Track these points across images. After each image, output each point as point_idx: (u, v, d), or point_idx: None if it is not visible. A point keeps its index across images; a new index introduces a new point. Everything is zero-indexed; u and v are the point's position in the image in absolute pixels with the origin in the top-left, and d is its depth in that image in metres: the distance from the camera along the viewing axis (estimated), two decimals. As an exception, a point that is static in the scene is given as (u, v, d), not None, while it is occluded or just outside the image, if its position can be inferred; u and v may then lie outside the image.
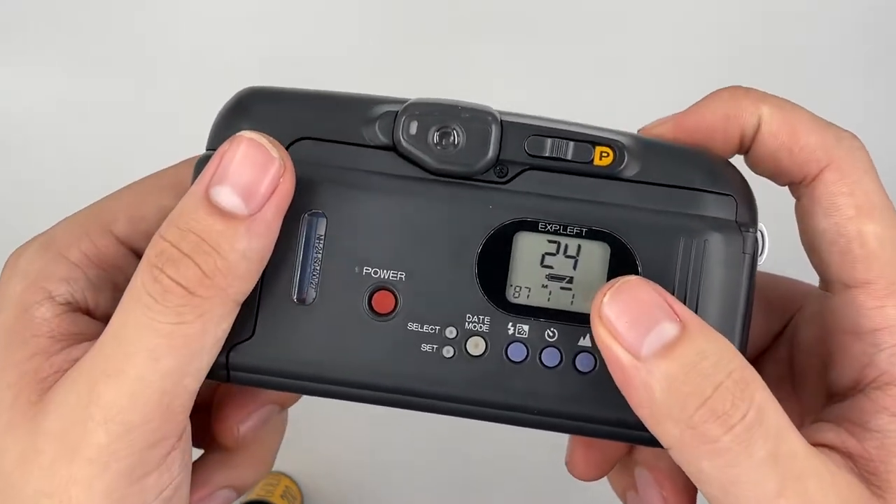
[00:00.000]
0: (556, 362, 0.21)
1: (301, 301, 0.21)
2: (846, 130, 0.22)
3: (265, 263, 0.20)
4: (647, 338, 0.19)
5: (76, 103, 0.62)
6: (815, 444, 0.19)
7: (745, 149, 0.22)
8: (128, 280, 0.20)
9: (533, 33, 0.63)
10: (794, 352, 0.24)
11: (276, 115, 0.21)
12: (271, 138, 0.20)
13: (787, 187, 0.23)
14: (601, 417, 0.21)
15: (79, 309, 0.22)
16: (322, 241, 0.21)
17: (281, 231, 0.20)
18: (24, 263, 0.21)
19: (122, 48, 0.62)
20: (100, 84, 0.62)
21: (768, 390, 0.19)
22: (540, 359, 0.21)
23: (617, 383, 0.19)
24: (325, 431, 0.68)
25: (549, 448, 0.26)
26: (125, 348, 0.19)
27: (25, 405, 0.20)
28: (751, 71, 0.64)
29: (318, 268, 0.21)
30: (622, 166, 0.21)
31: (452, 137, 0.21)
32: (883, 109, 0.64)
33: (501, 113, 0.21)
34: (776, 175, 0.22)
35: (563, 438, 0.27)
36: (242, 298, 0.20)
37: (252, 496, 0.64)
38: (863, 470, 0.20)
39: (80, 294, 0.22)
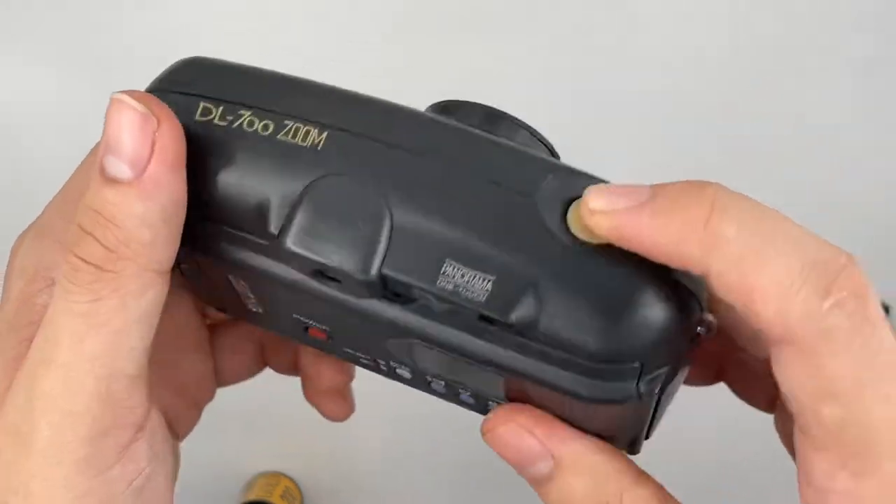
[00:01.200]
0: (472, 402, 0.23)
1: (254, 307, 0.23)
2: (842, 270, 0.18)
3: (179, 224, 0.19)
4: (528, 471, 0.20)
5: (76, 103, 0.62)
6: None
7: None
8: None
9: (532, 30, 0.63)
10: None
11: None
12: (142, 92, 0.19)
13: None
14: None
15: None
16: (250, 289, 0.22)
17: (214, 271, 0.21)
18: (21, 258, 0.21)
19: (121, 48, 0.62)
20: (99, 84, 0.62)
21: (660, 500, 0.19)
22: (458, 395, 0.23)
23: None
24: (325, 431, 0.67)
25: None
26: (53, 335, 0.18)
27: (3, 392, 0.19)
28: (749, 70, 0.64)
29: (256, 300, 0.23)
30: (512, 328, 0.19)
31: (333, 279, 0.20)
32: (883, 109, 0.64)
33: (393, 239, 0.19)
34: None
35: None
36: (161, 266, 0.19)
37: (252, 496, 0.64)
38: None
39: None
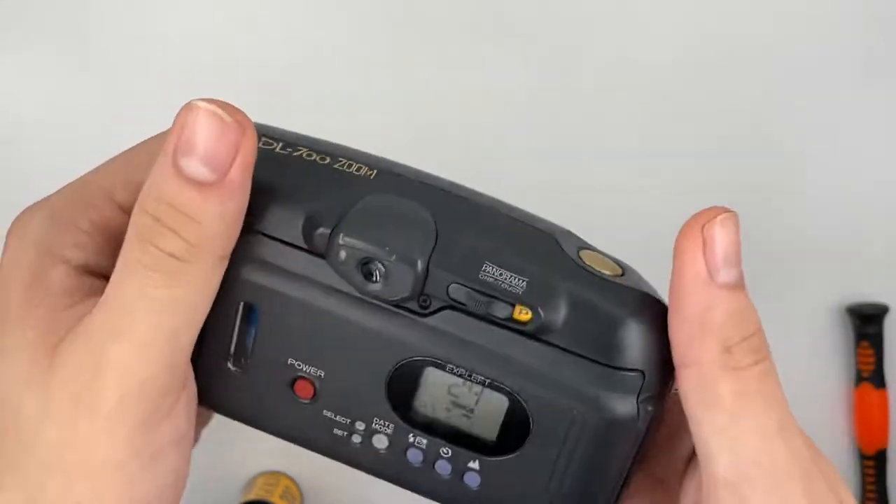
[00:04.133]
0: (447, 473, 0.23)
1: (236, 367, 0.23)
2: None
3: (242, 218, 0.21)
4: (727, 270, 0.21)
5: (74, 103, 0.62)
6: None
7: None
8: None
9: (532, 32, 0.63)
10: None
11: None
12: (227, 103, 0.21)
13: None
14: None
15: (89, 272, 0.23)
16: (255, 329, 0.23)
17: (221, 307, 0.22)
18: (34, 232, 0.22)
19: (120, 48, 0.62)
20: (98, 84, 0.62)
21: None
22: (434, 466, 0.23)
23: (678, 293, 0.21)
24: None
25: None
26: (128, 313, 0.20)
27: (43, 359, 0.21)
28: (747, 70, 0.64)
29: (251, 345, 0.23)
30: (538, 327, 0.21)
31: (376, 274, 0.21)
32: (883, 109, 0.64)
33: (442, 229, 0.21)
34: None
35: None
36: (227, 252, 0.21)
37: (252, 496, 0.64)
38: None
39: (92, 259, 0.23)
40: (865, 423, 0.65)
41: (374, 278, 0.21)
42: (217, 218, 0.20)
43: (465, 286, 0.21)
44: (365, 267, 0.21)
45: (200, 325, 0.21)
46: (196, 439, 0.27)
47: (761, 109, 0.64)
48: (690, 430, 0.21)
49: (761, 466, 0.20)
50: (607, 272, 0.22)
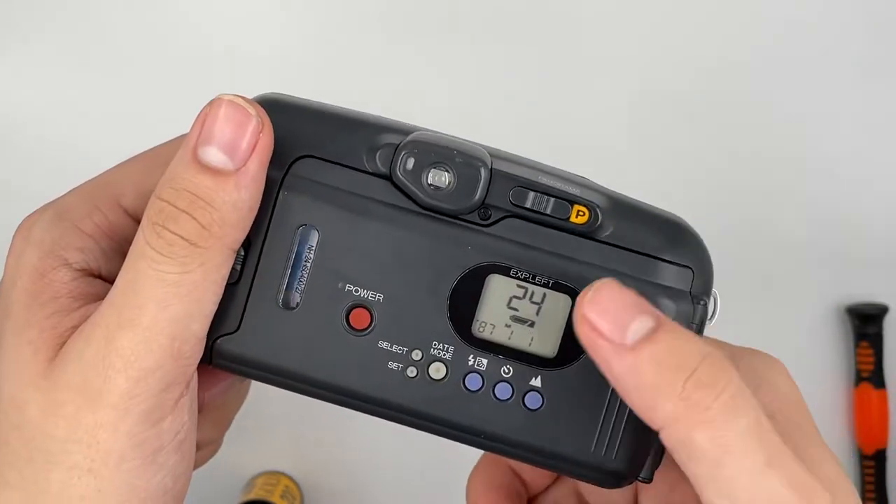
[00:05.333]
0: (508, 396, 0.23)
1: (285, 305, 0.23)
2: None
3: (255, 213, 0.22)
4: (630, 329, 0.20)
5: (74, 103, 0.62)
6: None
7: None
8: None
9: (532, 31, 0.63)
10: None
11: (286, 128, 0.22)
12: (247, 97, 0.21)
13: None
14: (543, 450, 0.24)
15: (92, 274, 0.23)
16: (312, 254, 0.23)
17: (275, 237, 0.22)
18: (38, 233, 0.23)
19: (120, 47, 0.62)
20: (98, 83, 0.62)
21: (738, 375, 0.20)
22: (493, 391, 0.23)
23: (606, 375, 0.21)
24: (325, 431, 0.67)
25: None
26: (136, 300, 0.20)
27: (44, 360, 0.21)
28: (746, 71, 0.64)
29: (305, 277, 0.23)
30: (595, 227, 0.23)
31: (443, 179, 0.22)
32: (883, 110, 0.64)
33: (493, 156, 0.23)
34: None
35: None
36: (237, 246, 0.21)
37: (252, 496, 0.64)
38: None
39: (95, 262, 0.23)
40: (865, 422, 0.65)
41: (444, 182, 0.22)
42: (230, 205, 0.21)
43: (528, 188, 0.22)
44: (434, 173, 0.22)
45: (208, 318, 0.21)
46: (219, 444, 0.28)
47: (761, 110, 0.64)
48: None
49: None
50: None
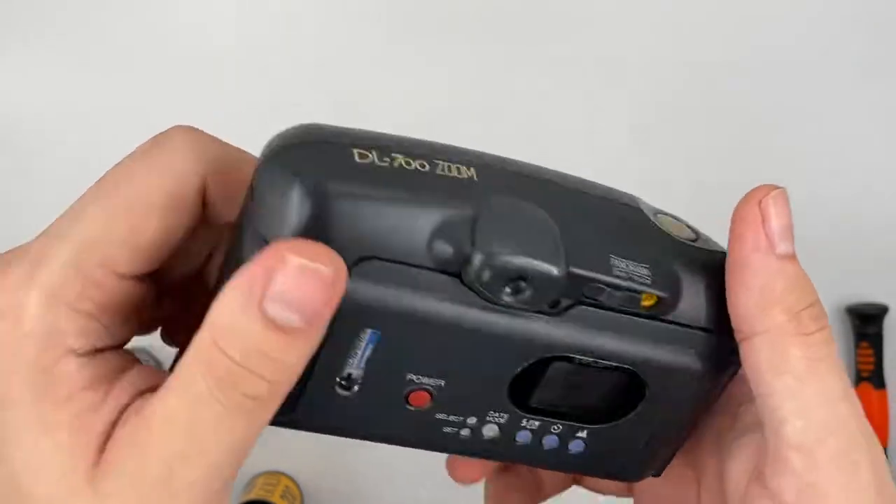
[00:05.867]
0: (553, 445, 0.24)
1: (343, 390, 0.22)
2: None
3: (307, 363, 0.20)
4: (785, 243, 0.22)
5: (74, 103, 0.62)
6: None
7: None
8: (138, 308, 0.21)
9: (537, 33, 0.63)
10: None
11: (346, 225, 0.20)
12: (319, 247, 0.19)
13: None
14: (577, 473, 0.26)
15: (99, 351, 0.21)
16: (374, 350, 0.22)
17: (338, 338, 0.21)
18: (28, 323, 0.20)
19: (119, 48, 0.62)
20: (97, 83, 0.62)
21: None
22: (541, 442, 0.24)
23: (740, 266, 0.22)
24: (325, 431, 0.67)
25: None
26: (201, 442, 0.20)
27: (85, 468, 0.19)
28: (746, 71, 0.64)
29: (363, 365, 0.22)
30: (660, 310, 0.23)
31: (521, 292, 0.21)
32: (882, 110, 0.64)
33: (564, 243, 0.21)
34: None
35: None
36: (292, 387, 0.20)
37: (252, 496, 0.64)
38: None
39: (99, 341, 0.21)
40: (865, 423, 0.65)
41: (520, 293, 0.21)
42: (302, 359, 0.19)
43: (602, 286, 0.22)
44: (511, 283, 0.21)
45: (238, 468, 0.21)
46: None
47: (760, 110, 0.64)
48: (756, 398, 0.23)
49: (831, 430, 0.22)
50: (687, 237, 0.24)
